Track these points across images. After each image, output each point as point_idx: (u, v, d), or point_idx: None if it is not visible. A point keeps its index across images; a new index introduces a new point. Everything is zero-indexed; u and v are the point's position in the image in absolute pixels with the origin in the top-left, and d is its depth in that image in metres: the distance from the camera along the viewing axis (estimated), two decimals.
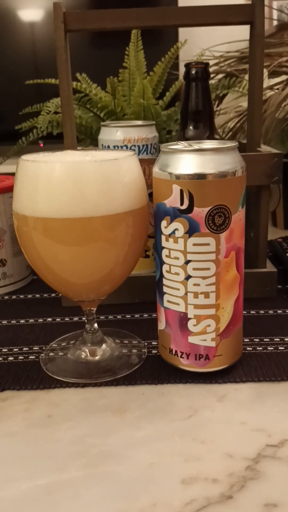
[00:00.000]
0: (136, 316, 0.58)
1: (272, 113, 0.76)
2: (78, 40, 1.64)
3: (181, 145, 0.44)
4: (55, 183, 0.41)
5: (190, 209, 0.41)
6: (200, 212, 0.40)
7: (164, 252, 0.43)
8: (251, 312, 0.58)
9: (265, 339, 0.52)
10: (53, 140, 0.88)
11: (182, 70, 0.70)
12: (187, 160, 0.41)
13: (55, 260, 0.44)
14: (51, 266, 0.44)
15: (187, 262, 0.42)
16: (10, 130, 0.99)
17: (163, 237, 0.43)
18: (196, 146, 0.42)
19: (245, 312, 0.56)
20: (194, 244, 0.41)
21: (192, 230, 0.41)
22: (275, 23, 1.41)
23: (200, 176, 0.40)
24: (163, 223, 0.43)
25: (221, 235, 0.41)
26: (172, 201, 0.41)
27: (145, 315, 0.58)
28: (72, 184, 0.41)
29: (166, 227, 0.42)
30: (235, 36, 1.06)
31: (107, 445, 0.38)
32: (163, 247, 0.43)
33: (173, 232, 0.42)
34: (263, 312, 0.58)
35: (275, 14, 1.50)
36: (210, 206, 0.40)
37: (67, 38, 0.58)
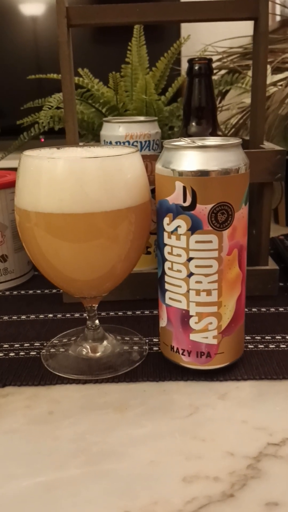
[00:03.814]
0: (137, 312, 0.58)
1: (275, 109, 0.76)
2: (80, 35, 1.64)
3: (184, 141, 0.43)
4: (57, 180, 0.41)
5: (193, 206, 0.40)
6: (203, 209, 0.40)
7: (166, 249, 0.43)
8: (253, 309, 0.58)
9: (266, 337, 0.52)
10: (54, 135, 0.88)
11: (184, 65, 0.69)
12: (190, 157, 0.40)
13: (56, 256, 0.44)
14: (53, 262, 0.44)
15: (190, 259, 0.42)
16: (12, 125, 0.99)
17: (165, 234, 0.43)
18: (199, 143, 0.42)
19: (247, 310, 0.56)
20: (197, 242, 0.41)
21: (194, 227, 0.41)
22: (278, 18, 1.41)
23: (203, 173, 0.40)
24: (166, 220, 0.42)
25: (224, 233, 0.41)
26: (175, 198, 0.41)
27: (146, 312, 0.58)
28: (74, 181, 0.41)
29: (168, 224, 0.42)
30: (238, 32, 1.06)
31: (107, 443, 0.38)
32: (165, 244, 0.43)
33: (176, 229, 0.42)
34: (264, 310, 0.58)
35: (278, 9, 1.49)
36: (213, 203, 0.40)
37: (69, 33, 0.57)
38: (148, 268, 0.62)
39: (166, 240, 0.43)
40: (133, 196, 0.43)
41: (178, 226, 0.41)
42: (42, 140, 1.52)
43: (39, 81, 0.96)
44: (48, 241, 0.43)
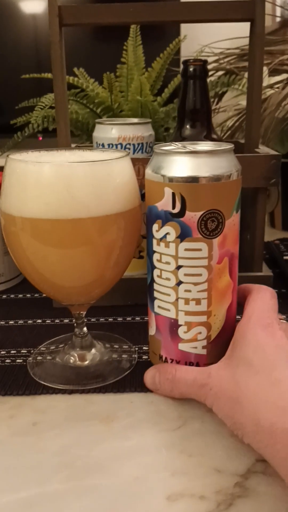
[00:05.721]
0: (128, 319, 0.57)
1: (272, 112, 0.75)
2: (76, 33, 1.62)
3: (175, 146, 0.42)
4: (44, 185, 0.40)
5: (182, 213, 0.39)
6: (192, 217, 0.39)
7: (155, 257, 0.42)
8: None
9: None
10: (53, 134, 0.86)
11: (181, 66, 0.68)
12: (180, 163, 0.39)
13: (43, 262, 0.42)
14: (39, 268, 0.43)
15: (179, 267, 0.41)
16: (8, 123, 0.97)
17: (154, 241, 0.42)
18: (190, 148, 0.41)
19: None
20: (186, 249, 0.40)
21: (184, 235, 0.40)
22: (277, 19, 1.39)
23: (193, 179, 0.38)
24: (155, 226, 0.41)
25: (214, 241, 0.40)
26: (164, 204, 0.40)
27: (137, 318, 0.57)
28: (61, 186, 0.39)
29: (157, 230, 0.41)
30: (237, 33, 1.04)
31: (92, 457, 0.36)
32: (154, 251, 0.42)
33: (165, 236, 0.40)
34: None
35: (278, 11, 1.48)
36: (203, 210, 0.39)
37: (62, 33, 0.56)
38: (141, 273, 0.61)
39: (155, 247, 0.42)
40: (122, 201, 0.42)
41: (167, 233, 0.40)
42: (40, 138, 1.51)
43: (38, 80, 0.95)
44: (34, 247, 0.42)
